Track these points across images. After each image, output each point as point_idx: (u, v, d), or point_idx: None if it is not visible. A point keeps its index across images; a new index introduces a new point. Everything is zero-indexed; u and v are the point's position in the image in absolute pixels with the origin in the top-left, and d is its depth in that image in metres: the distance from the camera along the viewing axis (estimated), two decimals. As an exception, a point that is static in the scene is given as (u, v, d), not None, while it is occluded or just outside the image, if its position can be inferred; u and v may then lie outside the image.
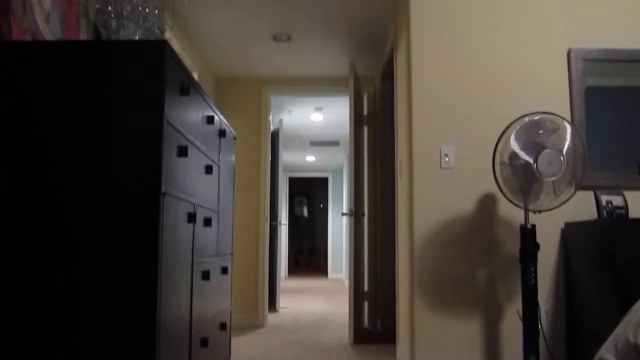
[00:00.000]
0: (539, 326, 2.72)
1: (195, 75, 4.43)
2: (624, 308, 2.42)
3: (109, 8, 2.33)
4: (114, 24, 2.34)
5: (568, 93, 3.16)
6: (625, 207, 2.91)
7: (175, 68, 1.87)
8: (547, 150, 2.56)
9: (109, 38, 2.43)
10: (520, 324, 2.80)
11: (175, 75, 1.88)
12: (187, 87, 1.99)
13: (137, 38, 2.36)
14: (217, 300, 2.57)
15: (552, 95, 3.16)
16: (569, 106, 3.14)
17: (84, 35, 2.44)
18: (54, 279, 1.67)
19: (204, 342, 2.26)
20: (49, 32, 2.16)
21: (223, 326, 2.69)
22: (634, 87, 3.19)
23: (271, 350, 3.95)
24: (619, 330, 1.41)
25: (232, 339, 4.38)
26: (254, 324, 5.05)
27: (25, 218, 1.69)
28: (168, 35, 3.60)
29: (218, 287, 2.60)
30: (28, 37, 2.01)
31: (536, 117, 2.65)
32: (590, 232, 2.78)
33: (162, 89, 1.75)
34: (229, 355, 2.92)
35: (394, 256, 3.86)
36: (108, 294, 1.67)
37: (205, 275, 2.29)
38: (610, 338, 1.42)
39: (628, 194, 3.01)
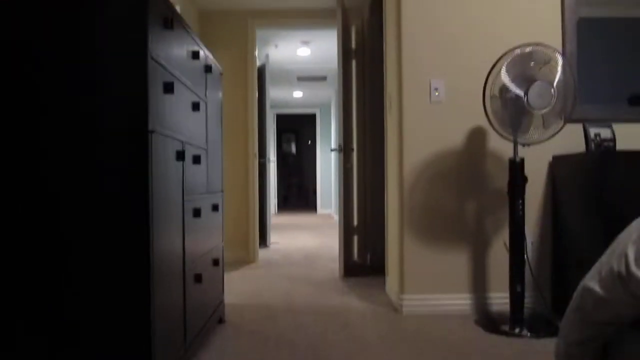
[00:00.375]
0: (525, 257, 2.79)
1: (177, 8, 4.28)
2: (609, 238, 2.48)
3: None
4: (90, -47, 2.22)
5: (560, 24, 3.10)
6: (613, 140, 2.93)
7: (157, 0, 1.80)
8: (538, 83, 2.54)
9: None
10: (506, 254, 2.88)
11: (158, 8, 1.80)
12: (170, 21, 1.92)
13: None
14: (208, 237, 2.59)
15: (544, 26, 3.10)
16: (560, 37, 3.09)
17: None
18: (42, 222, 1.66)
19: (198, 278, 2.30)
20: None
21: (216, 262, 2.73)
22: (627, 18, 3.13)
23: (263, 284, 4.03)
24: (603, 259, 1.44)
25: (225, 275, 4.46)
26: (246, 260, 5.13)
27: (11, 160, 1.66)
28: (148, -35, 3.44)
29: (209, 224, 2.62)
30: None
31: (528, 49, 2.61)
32: (578, 164, 2.81)
33: (144, 23, 1.68)
34: (223, 290, 2.98)
35: (384, 190, 3.89)
36: (99, 235, 1.67)
37: (197, 213, 2.29)
38: (595, 266, 1.45)
39: (616, 127, 3.02)
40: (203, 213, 2.44)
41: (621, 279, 1.29)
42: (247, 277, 4.35)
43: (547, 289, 3.08)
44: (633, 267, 1.26)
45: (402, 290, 3.10)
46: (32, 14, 1.68)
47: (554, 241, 3.08)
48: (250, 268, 4.81)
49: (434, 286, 3.09)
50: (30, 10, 1.68)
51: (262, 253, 5.71)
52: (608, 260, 1.39)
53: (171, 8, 1.98)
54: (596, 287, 1.37)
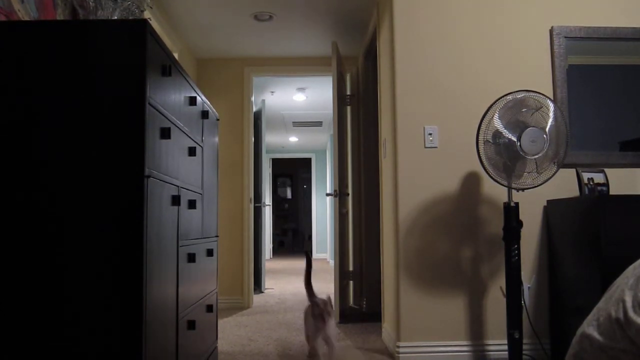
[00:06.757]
0: (523, 302, 2.76)
1: (175, 56, 4.36)
2: (606, 283, 2.47)
3: (86, -13, 2.27)
4: (91, 3, 2.29)
5: (550, 71, 3.17)
6: (607, 184, 2.95)
7: (156, 48, 1.84)
8: (530, 128, 2.57)
9: (86, 18, 2.37)
10: (503, 301, 2.85)
11: (157, 55, 1.84)
12: (168, 68, 1.95)
13: (115, 18, 2.30)
14: (203, 282, 2.56)
15: (535, 73, 3.17)
16: (551, 84, 3.16)
17: (60, 15, 2.38)
18: (37, 265, 1.65)
19: (191, 325, 2.26)
20: (24, 12, 2.11)
21: (209, 308, 2.69)
22: (615, 65, 3.21)
23: (258, 331, 3.96)
24: (601, 305, 1.43)
25: (219, 321, 4.39)
26: (240, 306, 5.06)
27: (7, 202, 1.66)
28: (147, 15, 3.53)
29: (204, 270, 2.59)
30: (2, 18, 1.95)
31: (519, 95, 2.66)
32: (573, 209, 2.82)
33: (143, 70, 1.71)
34: (216, 337, 2.92)
35: (379, 236, 3.88)
36: (93, 279, 1.65)
37: (191, 258, 2.28)
38: (593, 312, 1.44)
39: (609, 172, 3.05)
40: (197, 258, 2.42)
41: (619, 325, 1.28)
42: (241, 324, 4.27)
43: (545, 335, 3.04)
44: (631, 313, 1.25)
45: (399, 337, 3.05)
46: (32, 59, 1.71)
47: (550, 286, 3.06)
48: (245, 314, 4.74)
49: (431, 333, 3.04)
50: (30, 55, 1.71)
51: (256, 299, 5.64)
52: (606, 307, 1.38)
53: (170, 56, 2.02)
54: (595, 334, 1.35)
